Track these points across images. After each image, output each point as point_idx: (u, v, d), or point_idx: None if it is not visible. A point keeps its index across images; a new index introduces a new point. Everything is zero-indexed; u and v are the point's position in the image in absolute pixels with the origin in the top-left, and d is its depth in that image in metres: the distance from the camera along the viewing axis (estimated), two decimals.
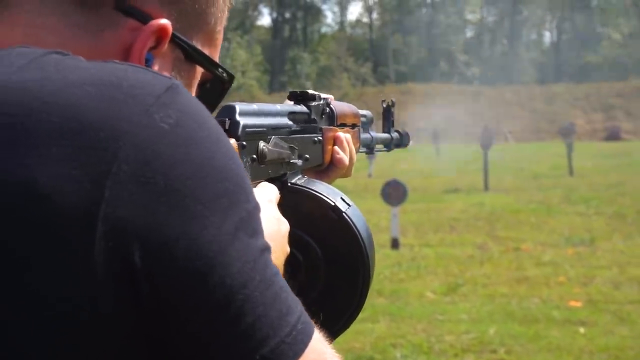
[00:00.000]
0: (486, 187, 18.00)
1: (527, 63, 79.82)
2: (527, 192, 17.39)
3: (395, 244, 10.34)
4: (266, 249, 0.76)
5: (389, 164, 25.72)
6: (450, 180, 20.31)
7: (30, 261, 0.66)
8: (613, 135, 46.01)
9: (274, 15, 75.95)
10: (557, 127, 37.71)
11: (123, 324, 0.68)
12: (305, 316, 0.76)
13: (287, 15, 77.52)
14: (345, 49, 68.93)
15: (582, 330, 6.50)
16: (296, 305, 0.76)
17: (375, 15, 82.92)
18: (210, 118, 0.77)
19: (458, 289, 8.09)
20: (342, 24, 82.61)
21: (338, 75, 64.09)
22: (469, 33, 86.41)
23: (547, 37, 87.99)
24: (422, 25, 79.34)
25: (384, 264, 9.24)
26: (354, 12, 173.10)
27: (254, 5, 71.06)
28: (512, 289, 8.04)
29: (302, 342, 0.74)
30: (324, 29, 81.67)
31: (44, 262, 0.66)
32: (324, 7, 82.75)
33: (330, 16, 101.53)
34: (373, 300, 7.42)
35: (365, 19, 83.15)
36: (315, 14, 79.09)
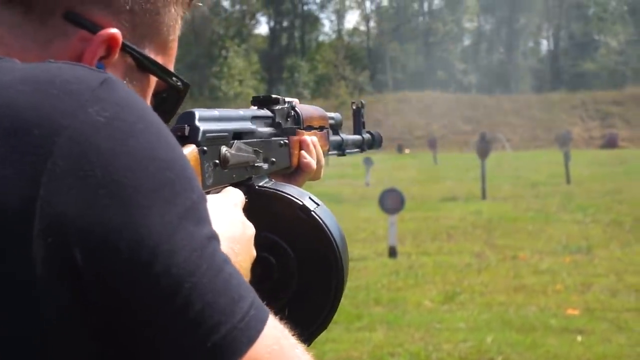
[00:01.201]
0: (484, 195, 18.00)
1: (524, 71, 79.92)
2: (525, 200, 17.40)
3: (392, 252, 10.33)
4: (213, 236, 0.75)
5: (387, 172, 25.71)
6: (447, 189, 20.32)
7: None
8: (610, 143, 46.07)
9: (272, 23, 76.02)
10: (554, 135, 37.73)
11: (69, 320, 0.68)
12: (259, 302, 0.76)
13: (285, 23, 77.56)
14: (343, 57, 68.87)
15: (579, 338, 6.49)
16: (248, 292, 0.75)
17: (372, 24, 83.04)
18: (148, 110, 0.76)
19: (456, 297, 8.09)
20: (339, 32, 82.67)
21: (336, 84, 63.97)
22: (466, 41, 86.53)
23: (544, 45, 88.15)
24: (420, 34, 79.46)
25: (381, 273, 9.24)
26: (351, 20, 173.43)
27: (252, 13, 71.08)
28: (509, 297, 8.04)
29: (255, 328, 0.73)
30: (321, 37, 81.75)
31: None
32: (322, 15, 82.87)
33: (327, 24, 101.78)
34: (370, 309, 7.42)
35: (362, 27, 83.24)
36: (312, 22, 79.13)
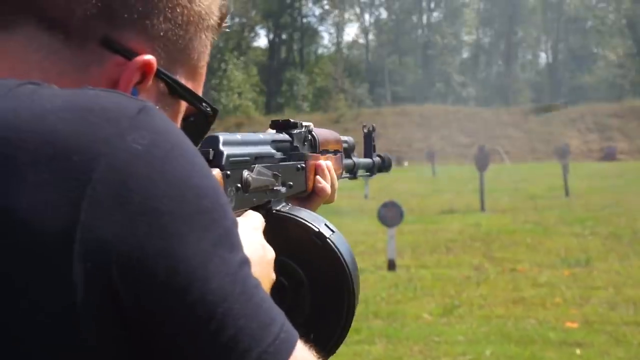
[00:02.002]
0: (482, 208, 18.00)
1: (523, 84, 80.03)
2: (523, 212, 17.39)
3: (391, 265, 10.33)
4: (245, 262, 0.77)
5: (385, 185, 25.71)
6: (446, 201, 20.32)
7: (12, 287, 0.67)
8: (609, 156, 46.11)
9: (271, 36, 76.10)
10: (552, 148, 37.75)
11: (106, 343, 0.69)
12: (288, 326, 0.77)
13: (284, 36, 77.64)
14: (342, 70, 69.04)
15: (578, 351, 6.49)
16: (279, 316, 0.77)
17: (371, 37, 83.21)
18: (184, 138, 0.78)
19: (454, 310, 8.09)
20: (338, 45, 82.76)
21: (334, 97, 64.11)
22: (465, 54, 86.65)
23: (543, 58, 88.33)
24: (418, 47, 79.59)
25: (380, 286, 9.24)
26: (351, 33, 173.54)
27: (251, 26, 71.19)
28: (508, 310, 8.04)
29: (285, 351, 0.75)
30: (320, 50, 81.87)
31: (24, 287, 0.67)
32: (321, 28, 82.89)
33: (326, 37, 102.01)
34: (369, 322, 7.42)
35: (361, 40, 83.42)
36: (311, 35, 79.23)
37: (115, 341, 0.70)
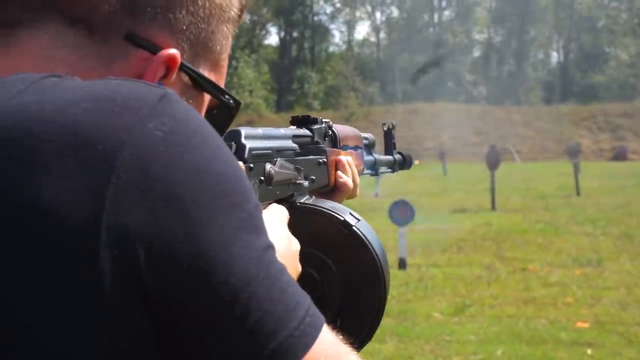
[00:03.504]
0: (493, 207, 17.98)
1: (534, 83, 79.85)
2: (535, 212, 17.36)
3: (402, 264, 10.33)
4: (269, 246, 0.77)
5: (396, 184, 25.69)
6: (457, 200, 20.30)
7: (40, 277, 0.68)
8: (620, 156, 45.95)
9: (282, 34, 76.10)
10: (564, 147, 37.68)
11: (134, 328, 0.70)
12: (314, 309, 0.77)
13: (295, 34, 77.60)
14: (353, 68, 68.95)
15: (589, 351, 6.49)
16: (304, 299, 0.77)
17: (382, 35, 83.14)
18: (205, 124, 0.78)
19: (465, 309, 8.08)
20: (349, 43, 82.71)
21: (345, 95, 64.06)
22: (476, 53, 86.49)
23: (554, 57, 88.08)
24: (430, 45, 79.47)
25: (391, 285, 9.20)
26: (362, 31, 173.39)
27: (262, 24, 71.19)
28: (519, 309, 8.03)
29: (311, 335, 0.75)
30: (331, 48, 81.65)
31: (51, 275, 0.68)
32: (332, 26, 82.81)
33: (337, 35, 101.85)
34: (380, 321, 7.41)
35: (372, 38, 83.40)
36: (323, 33, 79.15)
37: (142, 328, 0.70)
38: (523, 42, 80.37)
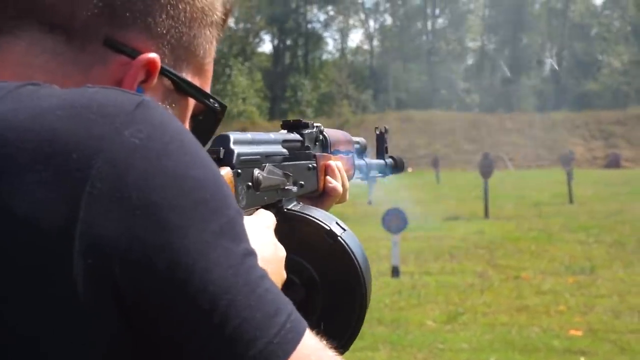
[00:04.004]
0: (486, 215, 17.98)
1: (527, 90, 79.96)
2: (528, 219, 17.37)
3: (395, 272, 10.32)
4: (250, 253, 0.76)
5: (389, 192, 25.67)
6: (450, 208, 20.30)
7: (13, 286, 0.68)
8: (613, 163, 46.06)
9: (275, 42, 76.14)
10: (557, 155, 37.72)
11: (108, 339, 0.70)
12: (296, 314, 0.77)
13: (288, 42, 77.66)
14: (346, 75, 68.98)
15: (582, 359, 6.48)
16: (285, 305, 0.76)
17: (375, 43, 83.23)
18: (183, 130, 0.78)
19: (458, 317, 8.07)
20: (342, 50, 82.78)
21: (339, 102, 64.06)
22: (470, 60, 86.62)
23: (547, 64, 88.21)
24: (423, 53, 79.58)
25: (384, 292, 9.23)
26: (355, 39, 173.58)
27: (255, 32, 71.20)
28: (512, 317, 8.03)
29: (293, 341, 0.74)
30: (324, 56, 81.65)
31: (25, 286, 0.68)
32: (325, 34, 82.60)
33: (331, 43, 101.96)
34: (373, 329, 7.41)
35: (366, 46, 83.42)
36: (316, 41, 79.17)
37: (117, 337, 0.70)
38: (516, 49, 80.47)
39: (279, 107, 68.93)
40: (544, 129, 52.90)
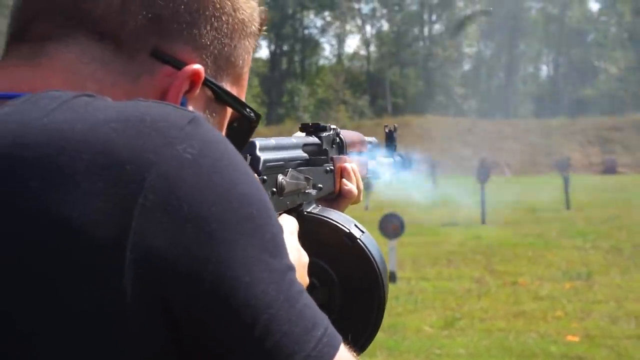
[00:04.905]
0: (483, 221, 18.00)
1: (524, 96, 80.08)
2: (525, 225, 17.39)
3: (392, 277, 10.30)
4: (290, 268, 0.78)
5: (386, 197, 25.70)
6: (447, 214, 20.31)
7: (64, 294, 0.69)
8: (610, 169, 46.08)
9: (272, 47, 76.17)
10: (553, 161, 37.72)
11: (154, 348, 0.71)
12: (332, 329, 0.79)
13: (285, 47, 77.74)
14: (343, 81, 69.03)
15: None
16: (322, 320, 0.78)
17: (372, 48, 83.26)
18: (231, 148, 0.80)
19: (455, 323, 8.07)
20: (339, 56, 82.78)
21: (335, 108, 64.13)
22: (466, 66, 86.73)
23: (544, 70, 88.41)
24: (420, 58, 79.67)
25: None
26: (352, 44, 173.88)
27: None
28: (509, 323, 8.03)
29: (329, 354, 0.76)
30: (321, 62, 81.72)
31: (76, 294, 0.69)
32: (322, 39, 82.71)
33: (328, 49, 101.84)
34: None
35: (362, 52, 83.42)
36: (313, 46, 79.28)
37: (163, 347, 0.72)
38: (513, 55, 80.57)
39: (276, 113, 68.96)
40: (541, 134, 52.94)
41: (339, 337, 0.80)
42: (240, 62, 0.99)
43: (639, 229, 15.73)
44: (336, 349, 0.78)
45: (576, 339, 7.33)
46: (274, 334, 0.73)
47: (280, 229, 0.80)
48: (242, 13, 0.97)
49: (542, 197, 25.22)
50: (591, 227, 16.42)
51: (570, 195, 21.82)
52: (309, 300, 0.79)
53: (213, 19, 0.93)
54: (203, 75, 0.91)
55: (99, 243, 0.69)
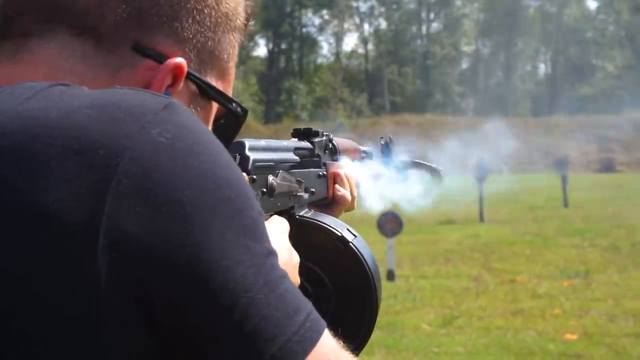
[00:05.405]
0: (481, 219, 18.00)
1: (522, 95, 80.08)
2: (523, 223, 17.39)
3: (390, 275, 10.32)
4: (271, 253, 0.77)
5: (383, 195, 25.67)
6: (445, 212, 20.30)
7: (38, 279, 0.69)
8: (607, 167, 46.10)
9: (270, 46, 76.11)
10: (551, 159, 37.71)
11: (129, 333, 0.70)
12: (315, 314, 0.78)
13: (283, 46, 77.65)
14: (341, 79, 69.02)
15: None
16: (305, 305, 0.78)
17: (370, 46, 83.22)
18: (208, 132, 0.79)
19: (454, 321, 8.08)
20: (337, 54, 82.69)
21: (333, 106, 64.14)
22: (464, 64, 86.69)
23: (542, 69, 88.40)
24: (418, 57, 79.64)
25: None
26: (350, 43, 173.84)
27: (250, 36, 70.97)
28: (507, 321, 8.03)
29: (311, 339, 0.75)
30: (319, 60, 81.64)
31: (50, 276, 0.69)
32: (320, 38, 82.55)
33: (326, 47, 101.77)
34: None
35: (360, 50, 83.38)
36: (311, 45, 79.19)
37: (138, 331, 0.71)
38: (511, 54, 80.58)
39: (274, 111, 68.91)
40: (539, 133, 52.95)
41: (323, 322, 0.79)
42: (225, 56, 0.99)
43: (637, 227, 15.73)
44: (319, 334, 0.77)
45: (574, 336, 7.34)
46: (252, 317, 0.72)
47: (260, 214, 0.79)
48: (226, 6, 0.97)
49: (540, 195, 25.26)
50: (589, 225, 16.41)
51: (568, 193, 21.83)
52: (291, 286, 0.77)
53: (195, 11, 0.92)
54: (186, 68, 0.91)
55: (72, 228, 0.69)
